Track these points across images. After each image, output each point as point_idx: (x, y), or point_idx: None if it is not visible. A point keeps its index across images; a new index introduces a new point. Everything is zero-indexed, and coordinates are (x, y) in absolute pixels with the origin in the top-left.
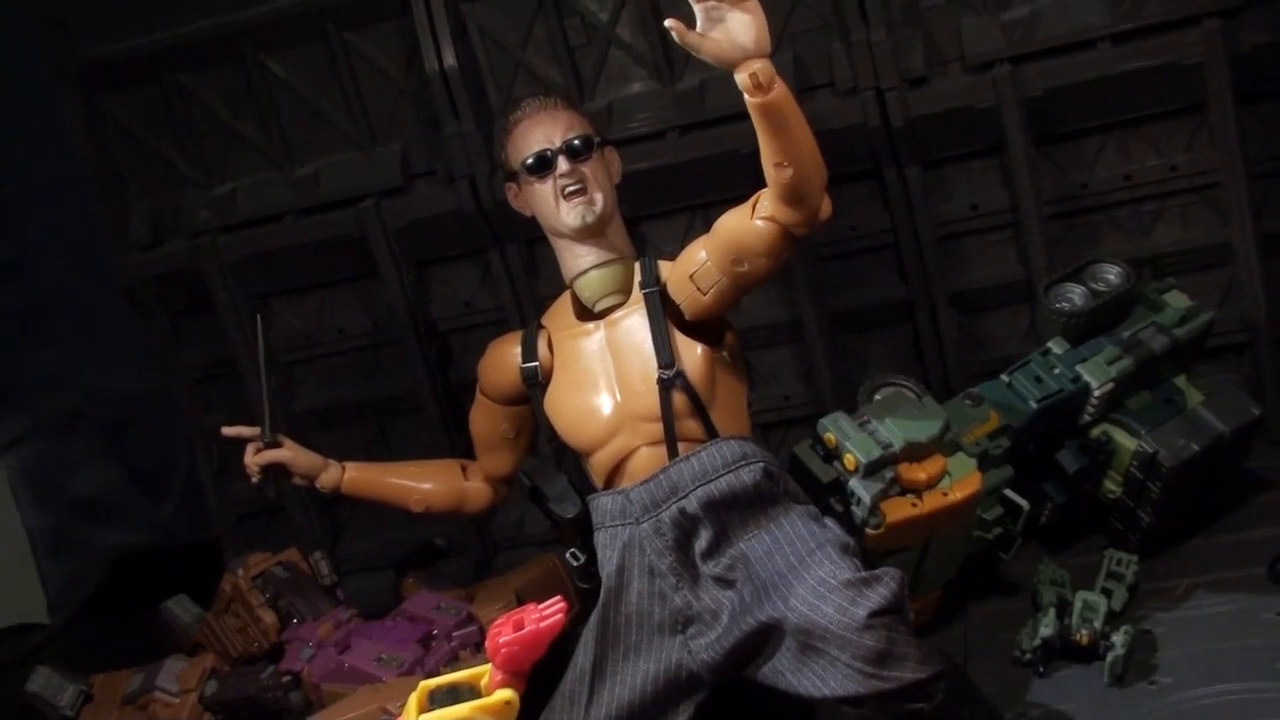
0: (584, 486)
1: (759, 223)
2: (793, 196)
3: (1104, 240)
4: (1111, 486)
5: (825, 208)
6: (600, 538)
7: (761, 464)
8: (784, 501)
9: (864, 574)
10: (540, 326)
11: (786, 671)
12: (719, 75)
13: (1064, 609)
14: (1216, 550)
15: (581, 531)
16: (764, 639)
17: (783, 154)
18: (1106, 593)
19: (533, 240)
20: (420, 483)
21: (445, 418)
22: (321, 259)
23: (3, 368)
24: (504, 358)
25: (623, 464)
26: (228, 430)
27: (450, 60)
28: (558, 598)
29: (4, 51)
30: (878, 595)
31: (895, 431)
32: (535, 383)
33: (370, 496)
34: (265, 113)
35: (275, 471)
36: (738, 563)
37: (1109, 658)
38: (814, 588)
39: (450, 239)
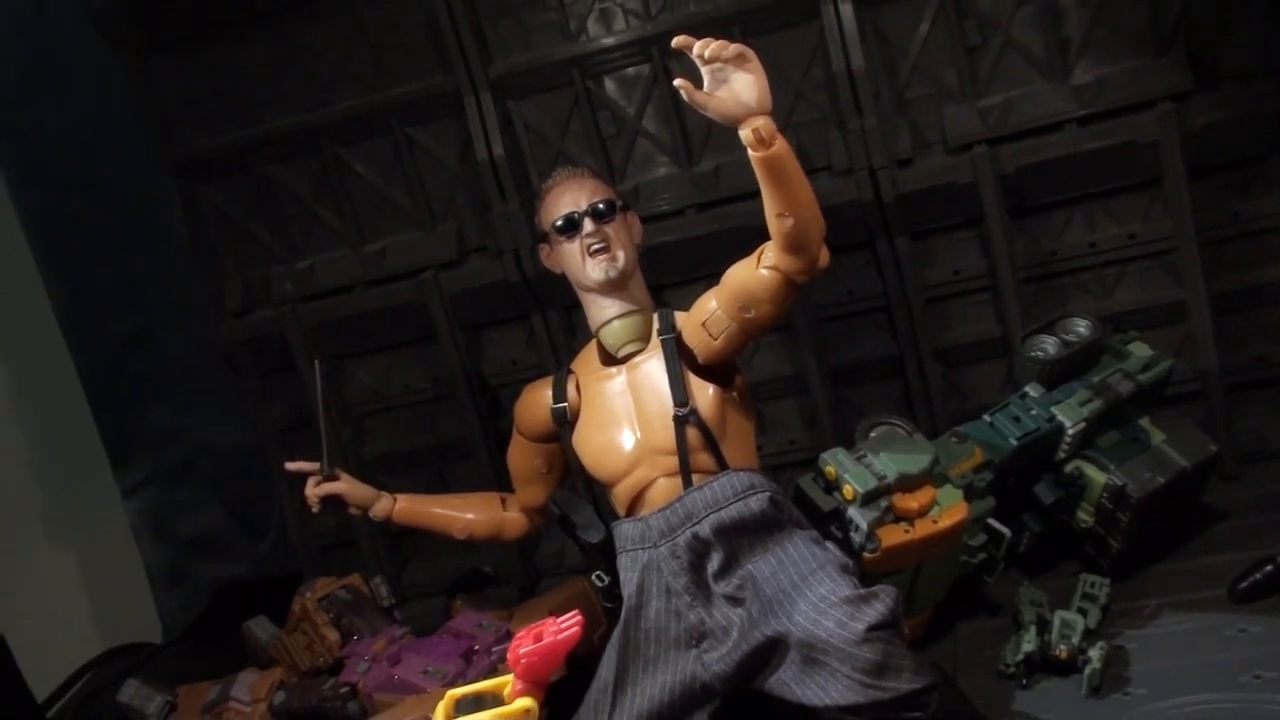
0: (608, 515)
1: (764, 272)
2: (793, 245)
3: (1072, 301)
4: (1084, 517)
5: (824, 256)
6: (622, 560)
7: (768, 493)
8: (788, 527)
9: (862, 591)
10: (569, 371)
11: (791, 682)
12: (732, 160)
13: (1044, 627)
14: (1180, 574)
15: (606, 556)
16: (770, 652)
17: (784, 205)
18: (1082, 612)
19: (570, 306)
20: (463, 512)
21: (495, 461)
22: (387, 324)
23: (129, 424)
24: (537, 400)
25: (642, 494)
26: (290, 465)
27: (498, 150)
28: (575, 612)
29: (119, 151)
30: (875, 611)
31: (889, 464)
32: (564, 421)
33: (419, 525)
34: (340, 197)
35: (333, 502)
36: (746, 582)
37: (1086, 670)
38: (816, 604)
39: (498, 305)
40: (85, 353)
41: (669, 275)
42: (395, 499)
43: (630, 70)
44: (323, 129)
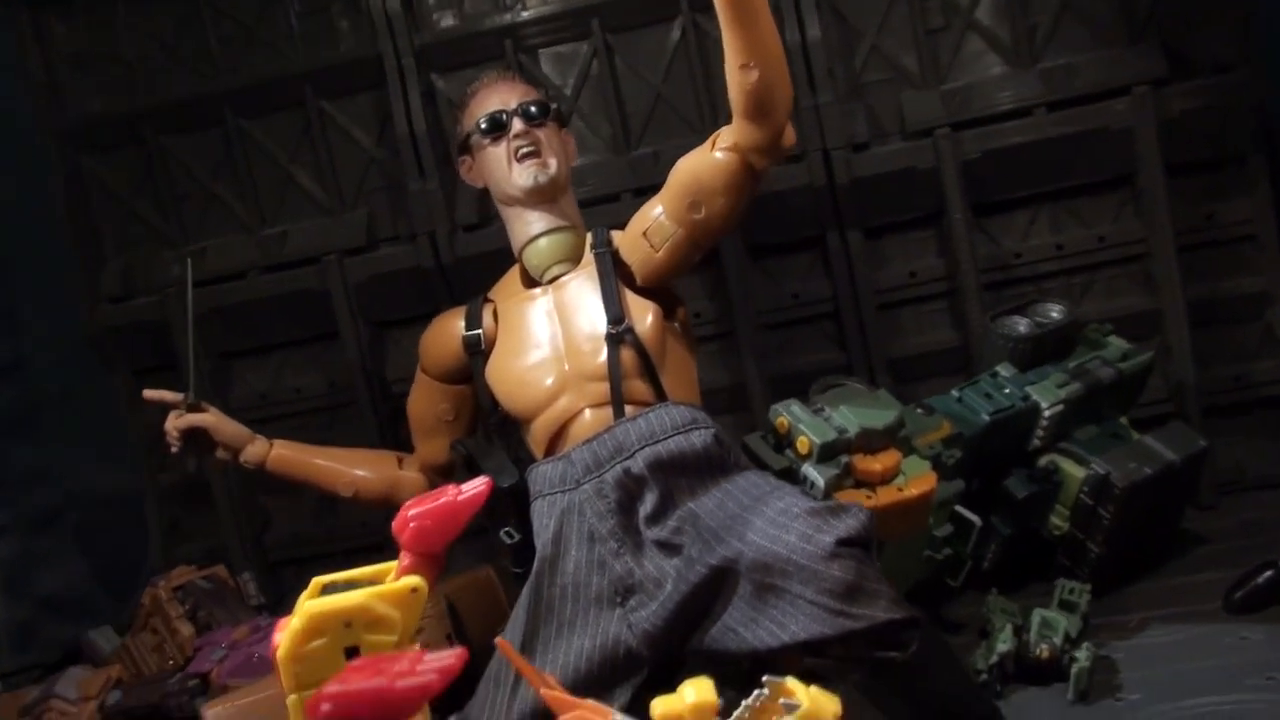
0: (524, 464)
1: (719, 155)
2: (757, 106)
3: None
4: (1058, 522)
5: (789, 134)
6: (538, 507)
7: (713, 430)
8: (734, 471)
9: (830, 503)
10: (487, 300)
11: (738, 626)
12: (672, 145)
13: (1019, 631)
14: (1165, 591)
15: (518, 507)
16: (714, 592)
17: (749, 52)
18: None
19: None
20: (352, 467)
21: None
22: (282, 316)
23: None
24: (447, 330)
25: (565, 428)
26: (149, 393)
27: (420, 125)
28: (484, 477)
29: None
30: (846, 524)
31: (850, 418)
32: (477, 350)
33: (297, 476)
34: (241, 175)
35: (197, 440)
36: (685, 523)
37: (1074, 669)
38: (774, 518)
39: (408, 297)
40: None
41: None
42: (272, 444)
43: (566, 47)
44: (227, 97)
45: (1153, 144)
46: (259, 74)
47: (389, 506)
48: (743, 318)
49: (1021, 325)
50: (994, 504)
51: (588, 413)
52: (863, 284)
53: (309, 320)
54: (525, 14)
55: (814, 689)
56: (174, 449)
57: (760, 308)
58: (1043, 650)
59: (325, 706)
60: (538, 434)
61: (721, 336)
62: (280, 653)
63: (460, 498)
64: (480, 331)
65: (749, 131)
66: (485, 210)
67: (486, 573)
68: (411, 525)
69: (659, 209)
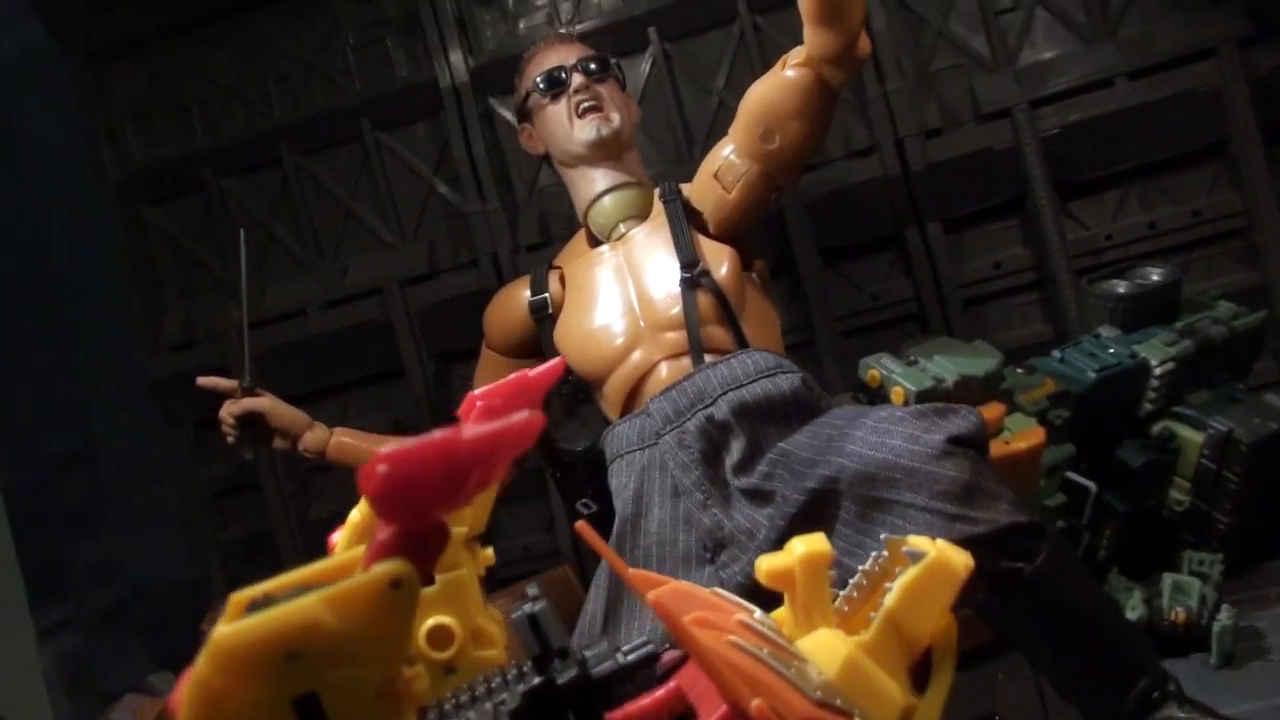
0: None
1: (790, 73)
2: (829, 10)
3: None
4: (1178, 496)
5: (864, 42)
6: (616, 469)
7: (800, 374)
8: (825, 413)
9: (936, 405)
10: (553, 266)
11: (842, 557)
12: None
13: (1149, 600)
14: None
15: (595, 475)
16: (814, 523)
17: None
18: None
19: None
20: None
21: None
22: (344, 353)
23: (54, 556)
24: (512, 299)
25: (641, 385)
26: (203, 380)
27: (478, 148)
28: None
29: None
30: (956, 423)
31: (947, 366)
32: (545, 316)
33: (361, 465)
34: (300, 214)
35: (254, 427)
36: (776, 467)
37: (1216, 629)
38: (874, 426)
39: (473, 326)
40: (13, 473)
41: None
42: (332, 431)
43: (624, 60)
44: (283, 135)
45: (1245, 105)
46: (315, 109)
47: None
48: (822, 325)
49: (1121, 287)
50: (1108, 481)
51: (664, 365)
52: (946, 279)
53: (372, 356)
54: (580, 27)
55: (941, 542)
56: (230, 438)
57: (839, 313)
58: (1178, 614)
59: (381, 468)
60: (611, 395)
61: (802, 346)
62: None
63: (533, 373)
64: (547, 295)
65: (821, 39)
66: (547, 229)
67: (563, 572)
68: (479, 405)
69: (729, 147)
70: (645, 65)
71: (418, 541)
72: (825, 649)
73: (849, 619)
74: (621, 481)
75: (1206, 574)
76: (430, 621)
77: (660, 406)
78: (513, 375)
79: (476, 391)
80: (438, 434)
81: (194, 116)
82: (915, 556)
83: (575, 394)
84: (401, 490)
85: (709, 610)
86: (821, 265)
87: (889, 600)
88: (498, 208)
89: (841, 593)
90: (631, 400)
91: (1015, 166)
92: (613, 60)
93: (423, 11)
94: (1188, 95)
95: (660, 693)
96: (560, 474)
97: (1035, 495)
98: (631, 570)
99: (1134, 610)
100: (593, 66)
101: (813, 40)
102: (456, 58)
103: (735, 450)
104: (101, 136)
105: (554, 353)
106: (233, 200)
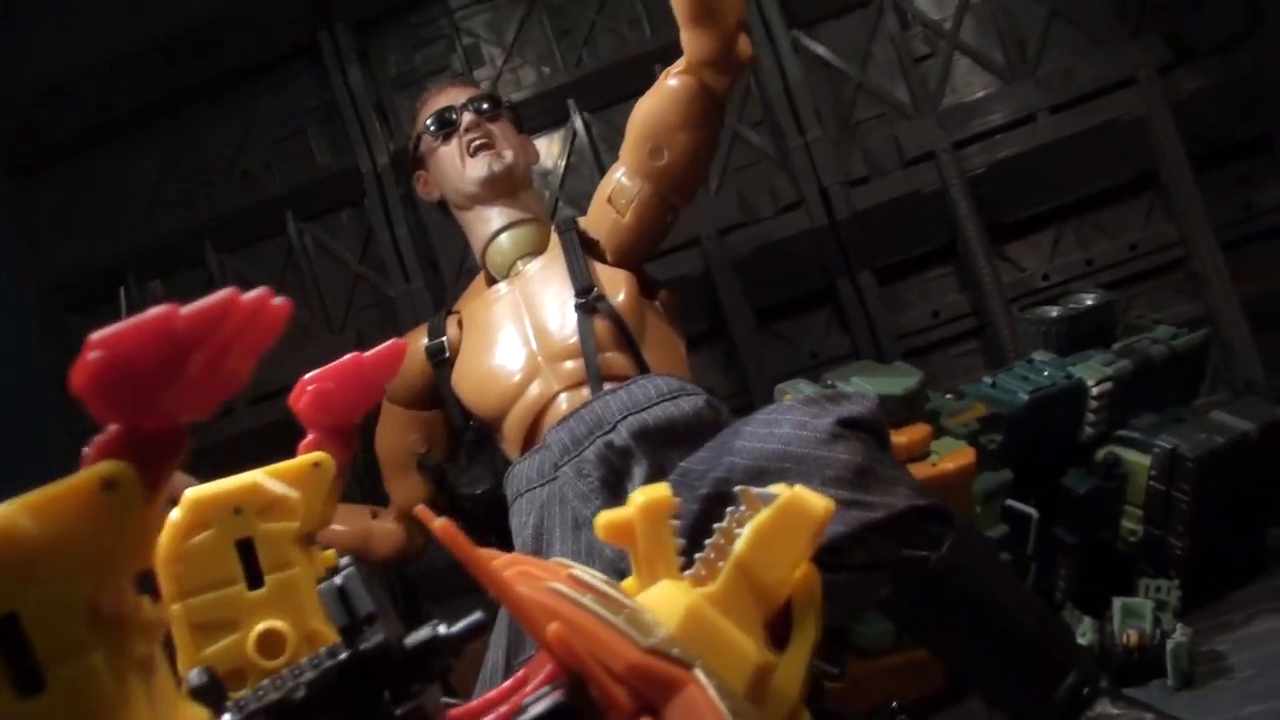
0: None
1: (672, 82)
2: (702, 9)
3: None
4: (1131, 525)
5: (743, 43)
6: (516, 508)
7: (704, 396)
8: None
9: (826, 393)
10: (450, 311)
11: None
12: None
13: (1100, 625)
14: (1269, 591)
15: (498, 520)
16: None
17: None
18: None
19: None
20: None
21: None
22: (267, 451)
23: None
24: (409, 347)
25: (540, 418)
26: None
27: (401, 230)
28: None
29: None
30: (846, 407)
31: (864, 387)
32: (442, 360)
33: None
34: None
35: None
36: (679, 487)
37: (1170, 647)
38: (764, 419)
39: None
40: None
41: None
42: None
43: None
44: (207, 233)
45: (1170, 130)
46: (237, 205)
47: (365, 560)
48: (759, 387)
49: (1054, 311)
50: (1055, 512)
51: (563, 397)
52: (883, 330)
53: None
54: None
55: (799, 486)
56: None
57: (777, 374)
58: (1130, 636)
59: (94, 355)
60: (511, 433)
61: (740, 411)
62: (160, 553)
63: (368, 355)
64: (444, 339)
65: (698, 41)
66: None
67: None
68: (310, 389)
69: (620, 170)
70: (567, 135)
71: (145, 443)
72: (666, 600)
73: (705, 580)
74: (521, 520)
75: (1164, 600)
76: (259, 626)
77: (558, 437)
78: (346, 356)
79: (308, 376)
80: (151, 310)
81: (119, 221)
82: (767, 499)
83: (479, 440)
84: (118, 376)
85: (544, 571)
86: (756, 325)
87: (738, 546)
88: (422, 287)
89: (699, 556)
90: (531, 436)
91: (944, 209)
92: (505, 101)
93: (340, 100)
94: (1111, 124)
95: (507, 684)
96: (462, 521)
97: (970, 515)
98: (480, 550)
99: (1084, 636)
100: (484, 105)
101: (690, 44)
102: (377, 143)
103: (638, 476)
104: (22, 247)
105: (453, 398)
106: (155, 303)
